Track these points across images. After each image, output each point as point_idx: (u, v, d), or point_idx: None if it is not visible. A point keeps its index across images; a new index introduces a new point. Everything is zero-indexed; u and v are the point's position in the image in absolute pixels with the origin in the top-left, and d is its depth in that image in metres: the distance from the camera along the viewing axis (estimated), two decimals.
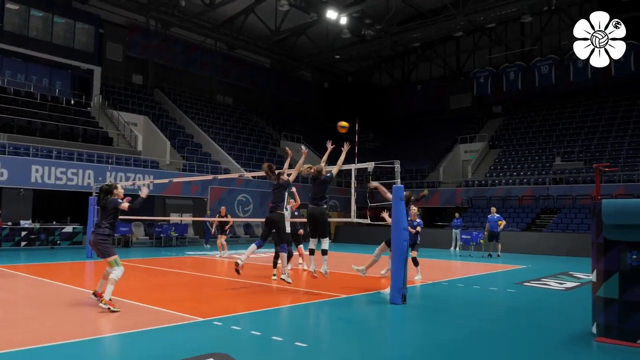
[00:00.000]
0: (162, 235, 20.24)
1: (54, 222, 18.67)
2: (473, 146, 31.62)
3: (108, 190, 7.29)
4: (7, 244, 16.86)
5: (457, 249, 20.34)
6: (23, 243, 17.23)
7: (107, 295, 6.74)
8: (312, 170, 8.51)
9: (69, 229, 18.45)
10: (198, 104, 32.26)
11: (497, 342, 5.70)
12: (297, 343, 5.21)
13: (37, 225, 17.84)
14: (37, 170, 18.21)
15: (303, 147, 10.25)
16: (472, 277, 11.76)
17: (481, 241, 18.20)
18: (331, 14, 27.60)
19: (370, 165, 8.28)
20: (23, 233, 17.27)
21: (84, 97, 26.18)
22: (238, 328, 5.79)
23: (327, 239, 8.41)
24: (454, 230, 20.73)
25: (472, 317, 7.05)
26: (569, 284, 10.49)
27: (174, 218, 21.01)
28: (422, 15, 30.50)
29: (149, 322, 6.04)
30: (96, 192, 15.61)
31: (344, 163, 8.90)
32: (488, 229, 17.23)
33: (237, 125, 32.45)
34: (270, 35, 32.02)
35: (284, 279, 8.77)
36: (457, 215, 21.30)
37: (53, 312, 6.71)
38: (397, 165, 8.06)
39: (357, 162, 8.99)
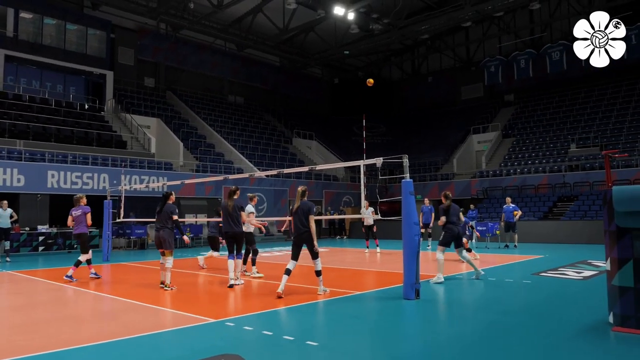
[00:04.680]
0: (177, 236, 20.34)
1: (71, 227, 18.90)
2: (486, 136, 31.35)
3: (166, 197, 9.15)
4: (25, 249, 17.14)
5: (474, 240, 20.17)
6: (41, 248, 17.49)
7: (168, 280, 8.79)
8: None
9: None
10: (210, 104, 32.45)
11: (510, 334, 5.65)
12: (308, 342, 5.22)
13: (54, 230, 18.09)
14: (53, 176, 18.47)
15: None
16: (488, 268, 11.63)
17: (497, 232, 18.05)
18: (338, 10, 27.52)
19: (378, 161, 8.22)
20: (40, 238, 17.52)
21: (97, 102, 26.48)
22: (250, 328, 5.81)
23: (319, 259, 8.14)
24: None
25: (486, 309, 6.99)
26: (587, 273, 10.35)
27: (189, 219, 21.16)
28: (429, 7, 30.32)
29: (160, 324, 6.11)
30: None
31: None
32: (504, 220, 17.08)
33: (249, 125, 32.57)
34: (278, 34, 32.03)
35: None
36: (472, 206, 21.05)
37: (69, 316, 6.80)
38: (406, 160, 8.00)
39: (369, 157, 8.83)
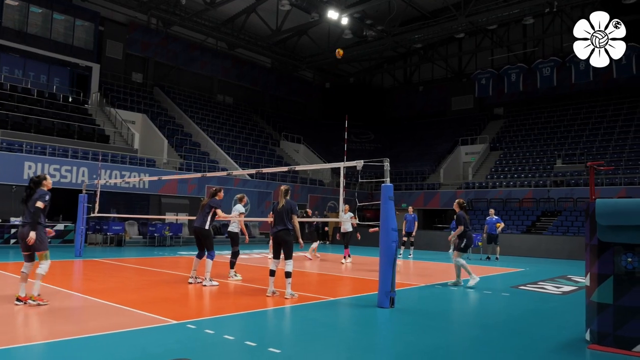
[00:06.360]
0: (155, 234, 19.96)
1: (46, 220, 18.39)
2: (474, 148, 31.32)
3: (37, 182, 6.95)
4: None
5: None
6: (12, 241, 16.94)
7: (36, 292, 6.71)
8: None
9: (60, 227, 18.19)
10: (198, 102, 32.06)
11: (482, 348, 5.40)
12: (270, 349, 4.92)
13: None
14: (30, 167, 17.98)
15: None
16: (468, 279, 11.43)
17: (479, 244, 17.89)
18: (332, 14, 27.31)
19: (359, 164, 7.97)
20: (13, 230, 17.00)
21: (82, 95, 25.98)
22: (211, 332, 5.50)
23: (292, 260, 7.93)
24: (452, 233, 20.38)
25: (461, 322, 6.76)
26: (566, 288, 10.18)
27: (170, 217, 20.75)
28: (423, 16, 30.23)
29: (117, 324, 5.77)
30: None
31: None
32: (486, 231, 16.92)
33: (236, 125, 32.23)
34: (271, 35, 31.80)
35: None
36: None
37: (20, 312, 6.42)
38: (387, 164, 7.76)
39: (353, 161, 8.49)
